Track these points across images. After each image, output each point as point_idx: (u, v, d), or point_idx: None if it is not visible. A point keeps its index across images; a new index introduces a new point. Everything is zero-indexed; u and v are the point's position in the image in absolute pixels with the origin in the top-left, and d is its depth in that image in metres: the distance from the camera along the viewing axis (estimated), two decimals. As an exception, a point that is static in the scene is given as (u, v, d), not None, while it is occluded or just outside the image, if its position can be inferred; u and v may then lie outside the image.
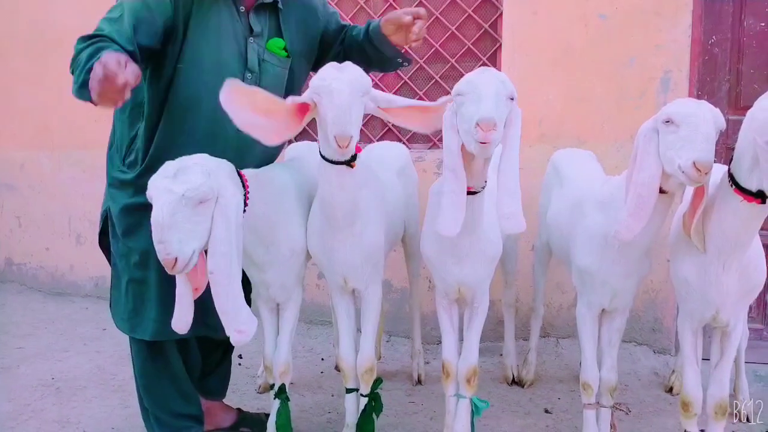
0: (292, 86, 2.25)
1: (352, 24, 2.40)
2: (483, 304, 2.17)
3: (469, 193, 1.86)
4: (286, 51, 2.18)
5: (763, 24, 3.13)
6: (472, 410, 2.18)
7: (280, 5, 2.14)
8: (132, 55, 1.83)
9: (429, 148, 3.63)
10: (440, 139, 2.36)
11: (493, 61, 3.55)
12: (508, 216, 1.79)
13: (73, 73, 1.81)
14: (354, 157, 1.87)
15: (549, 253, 2.82)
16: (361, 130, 2.06)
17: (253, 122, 1.72)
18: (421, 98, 3.68)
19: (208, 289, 2.15)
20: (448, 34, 3.61)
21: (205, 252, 1.75)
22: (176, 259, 1.62)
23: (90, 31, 1.90)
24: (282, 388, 2.24)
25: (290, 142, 2.51)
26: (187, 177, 1.66)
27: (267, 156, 2.23)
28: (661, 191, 1.80)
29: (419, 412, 2.75)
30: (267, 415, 2.34)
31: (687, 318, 1.98)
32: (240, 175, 1.87)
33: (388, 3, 3.72)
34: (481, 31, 3.57)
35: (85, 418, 2.72)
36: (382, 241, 2.19)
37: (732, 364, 2.05)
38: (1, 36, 4.85)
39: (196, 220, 1.66)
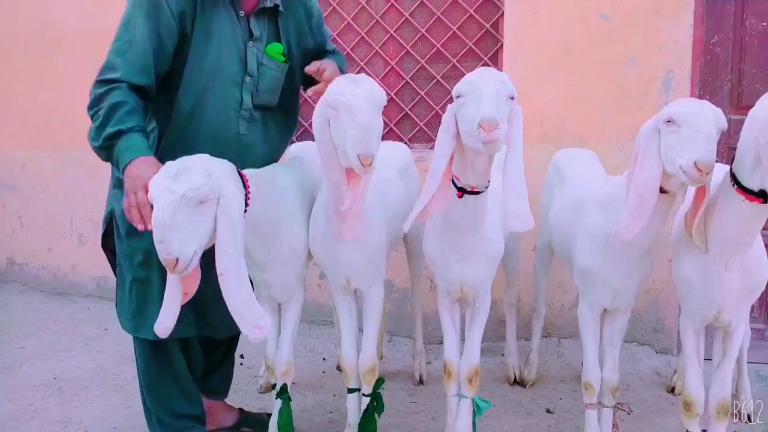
0: (289, 91, 2.26)
1: (327, 54, 2.40)
2: (485, 304, 2.17)
3: (473, 192, 1.86)
4: (285, 56, 2.19)
5: (765, 24, 3.12)
6: (473, 410, 2.18)
7: (281, 8, 2.15)
8: (149, 88, 1.95)
9: (430, 148, 3.62)
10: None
11: (495, 61, 3.55)
12: (515, 215, 1.79)
13: (92, 117, 1.92)
14: None
15: (551, 253, 2.82)
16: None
17: None
18: (422, 98, 3.69)
19: (207, 289, 2.16)
20: (449, 34, 3.61)
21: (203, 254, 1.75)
22: (177, 259, 1.62)
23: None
24: (284, 387, 2.24)
25: (291, 142, 2.52)
26: (188, 177, 1.66)
27: (268, 158, 2.24)
28: (662, 191, 1.80)
29: (421, 412, 2.75)
30: (269, 415, 2.34)
31: (689, 318, 1.98)
32: (241, 175, 1.87)
33: (389, 3, 3.72)
34: (482, 31, 3.56)
35: (87, 418, 2.72)
36: (384, 242, 2.19)
37: (734, 364, 2.04)
38: (1, 36, 4.85)
39: (196, 220, 1.66)
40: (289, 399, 2.26)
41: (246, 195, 1.86)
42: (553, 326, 3.42)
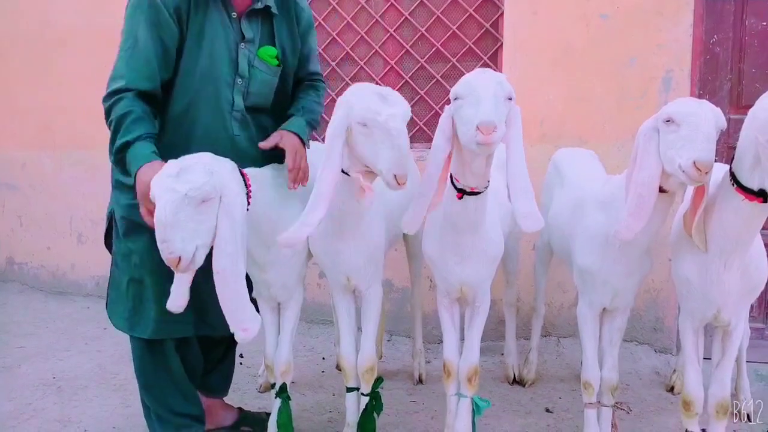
0: (283, 94, 2.26)
1: (307, 87, 2.38)
2: (484, 304, 2.17)
3: (472, 193, 1.86)
4: (278, 59, 2.19)
5: (764, 23, 3.12)
6: (473, 409, 2.18)
7: (274, 11, 2.14)
8: (155, 93, 1.97)
9: (430, 148, 3.62)
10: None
11: (494, 60, 3.55)
12: (525, 215, 1.79)
13: (109, 128, 1.95)
14: None
15: (550, 253, 2.82)
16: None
17: None
18: (422, 98, 3.69)
19: (206, 288, 2.15)
20: (449, 33, 3.62)
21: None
22: (180, 258, 1.62)
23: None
24: (283, 387, 2.25)
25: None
26: (190, 176, 1.66)
27: (261, 160, 2.23)
28: (662, 190, 1.80)
29: (420, 411, 2.75)
30: (268, 414, 2.34)
31: (688, 317, 1.98)
32: (242, 174, 1.87)
33: (389, 2, 3.72)
34: (482, 31, 3.57)
35: (86, 417, 2.73)
36: (383, 241, 2.20)
37: (733, 364, 2.04)
38: (2, 36, 4.85)
39: (199, 219, 1.66)
40: (289, 398, 2.26)
41: (248, 194, 1.86)
42: (553, 325, 3.42)
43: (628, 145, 2.97)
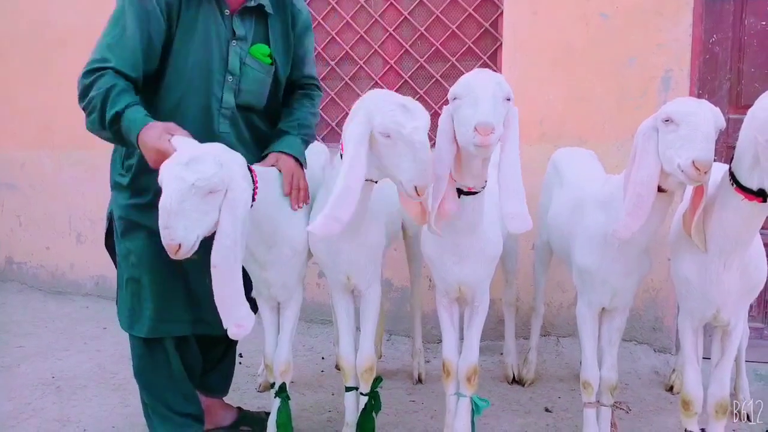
0: (275, 94, 2.25)
1: (301, 96, 2.37)
2: (483, 303, 2.17)
3: (470, 193, 1.86)
4: (271, 58, 2.18)
5: (764, 23, 3.12)
6: (472, 409, 2.18)
7: (268, 10, 2.14)
8: (136, 81, 1.94)
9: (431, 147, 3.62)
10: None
11: (494, 60, 3.55)
12: (513, 216, 1.80)
13: (86, 108, 1.91)
14: None
15: (549, 252, 2.82)
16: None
17: None
18: (421, 97, 3.69)
19: (204, 287, 2.15)
20: (448, 33, 3.62)
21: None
22: (180, 245, 1.62)
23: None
24: (282, 386, 2.25)
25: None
26: (200, 166, 1.65)
27: (253, 159, 2.23)
28: (661, 190, 1.80)
29: (420, 411, 2.75)
30: (267, 414, 2.34)
31: (688, 317, 1.98)
32: (250, 170, 1.87)
33: (388, 2, 3.72)
34: (481, 30, 3.57)
35: (85, 416, 2.72)
36: (383, 241, 2.19)
37: (732, 363, 2.04)
38: (1, 36, 4.85)
39: (203, 209, 1.66)
40: (288, 398, 2.26)
41: (254, 190, 1.86)
42: (552, 325, 3.42)
43: (627, 145, 2.96)
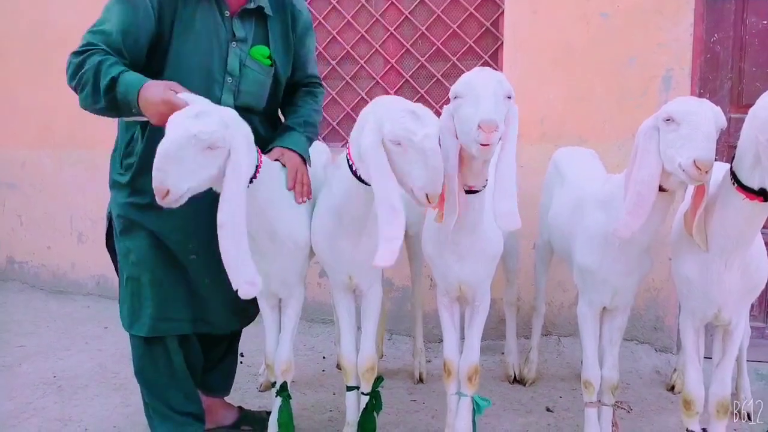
0: (274, 95, 2.25)
1: (304, 93, 2.38)
2: (484, 303, 2.17)
3: (471, 192, 1.86)
4: (271, 59, 2.18)
5: (765, 22, 3.12)
6: (473, 408, 2.18)
7: (268, 12, 2.14)
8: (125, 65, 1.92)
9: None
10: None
11: (495, 59, 3.55)
12: (504, 214, 1.80)
13: (77, 85, 1.89)
14: None
15: (550, 252, 2.82)
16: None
17: None
18: (422, 96, 3.69)
19: (204, 285, 2.16)
20: (449, 32, 3.61)
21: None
22: (168, 191, 1.62)
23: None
24: (284, 386, 2.25)
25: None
26: (206, 120, 1.67)
27: None
28: (662, 189, 1.80)
29: (421, 411, 2.75)
30: (268, 413, 2.34)
31: (689, 316, 1.98)
32: (257, 150, 1.88)
33: (389, 1, 3.72)
34: (482, 30, 3.56)
35: (86, 416, 2.73)
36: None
37: (734, 363, 2.04)
38: (1, 36, 4.84)
39: (200, 163, 1.66)
40: (289, 397, 2.26)
41: (257, 167, 1.86)
42: (553, 325, 3.42)
43: (628, 144, 2.97)
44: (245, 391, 2.95)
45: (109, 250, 2.31)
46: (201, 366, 2.36)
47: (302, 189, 2.11)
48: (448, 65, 3.64)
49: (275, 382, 2.27)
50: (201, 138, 1.64)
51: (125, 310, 2.19)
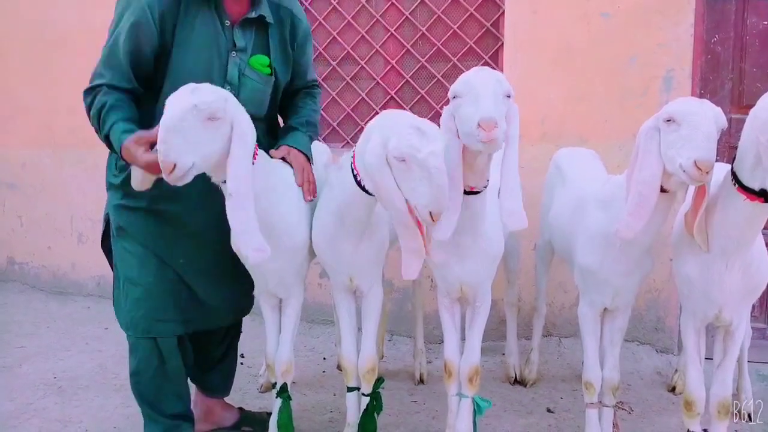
0: (273, 104, 2.26)
1: (304, 95, 2.39)
2: (485, 304, 2.17)
3: (472, 192, 1.86)
4: (271, 68, 2.18)
5: (766, 22, 3.12)
6: (474, 409, 2.18)
7: (269, 20, 2.14)
8: (133, 90, 2.00)
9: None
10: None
11: (495, 59, 3.54)
12: (510, 213, 1.81)
13: (93, 125, 2.00)
14: None
15: (551, 252, 2.82)
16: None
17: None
18: (423, 97, 3.69)
19: (197, 284, 2.18)
20: (449, 33, 3.61)
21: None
22: (175, 165, 1.62)
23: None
24: (284, 387, 2.24)
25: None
26: (204, 92, 1.69)
27: None
28: (663, 190, 1.80)
29: (421, 412, 2.75)
30: (269, 414, 2.34)
31: (690, 317, 1.97)
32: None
33: (390, 2, 3.72)
34: (482, 30, 3.56)
35: (87, 417, 2.73)
36: (387, 242, 2.19)
37: (735, 364, 2.04)
38: (1, 36, 4.84)
39: (202, 134, 1.67)
40: (289, 398, 2.25)
41: (254, 154, 1.86)
42: (554, 325, 3.42)
43: (629, 145, 2.96)
44: (245, 392, 2.94)
45: (104, 251, 2.31)
46: (191, 366, 2.35)
47: (309, 187, 2.14)
48: (449, 66, 3.64)
49: (275, 383, 2.27)
50: (201, 108, 1.65)
51: (122, 311, 2.19)
